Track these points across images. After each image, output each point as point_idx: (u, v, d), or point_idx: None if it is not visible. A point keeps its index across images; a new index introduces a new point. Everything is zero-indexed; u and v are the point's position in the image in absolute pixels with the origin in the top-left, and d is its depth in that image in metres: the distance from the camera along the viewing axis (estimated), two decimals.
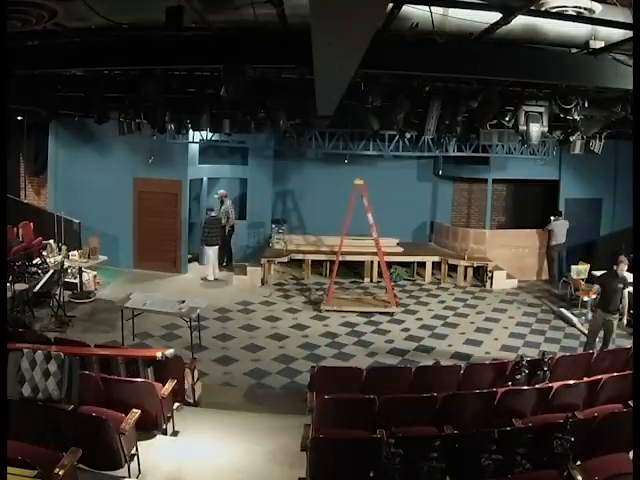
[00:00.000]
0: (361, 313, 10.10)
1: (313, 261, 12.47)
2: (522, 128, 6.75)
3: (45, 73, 6.64)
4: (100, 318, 9.11)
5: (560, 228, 12.42)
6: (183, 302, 7.88)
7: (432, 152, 12.33)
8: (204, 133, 11.24)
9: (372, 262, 12.26)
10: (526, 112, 6.68)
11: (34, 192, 13.78)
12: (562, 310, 10.31)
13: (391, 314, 10.08)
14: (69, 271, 10.10)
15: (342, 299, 10.69)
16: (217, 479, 4.64)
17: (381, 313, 10.13)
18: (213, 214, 11.90)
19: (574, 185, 12.89)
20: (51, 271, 9.17)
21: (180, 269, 12.12)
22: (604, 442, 4.25)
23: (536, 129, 6.71)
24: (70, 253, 10.20)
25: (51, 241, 10.58)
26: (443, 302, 11.12)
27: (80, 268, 10.07)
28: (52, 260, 9.71)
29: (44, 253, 9.96)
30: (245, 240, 13.35)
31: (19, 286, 8.50)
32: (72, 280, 10.07)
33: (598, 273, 10.50)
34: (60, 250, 10.34)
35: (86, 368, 5.21)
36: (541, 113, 6.67)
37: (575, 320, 9.72)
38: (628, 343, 8.04)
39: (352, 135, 12.01)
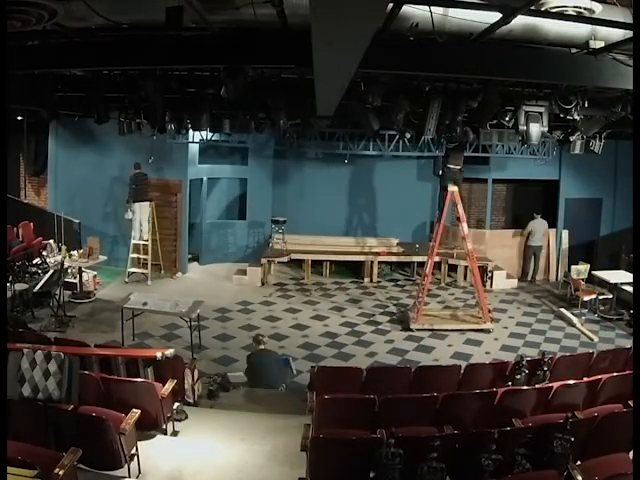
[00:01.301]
0: (437, 330, 9.20)
1: (313, 261, 12.47)
2: (522, 128, 6.75)
3: (45, 73, 6.64)
4: (100, 318, 9.11)
5: (538, 228, 12.40)
6: (179, 304, 7.92)
7: (432, 152, 12.34)
8: (204, 133, 11.25)
9: (372, 262, 12.27)
10: (526, 112, 6.68)
11: (34, 192, 13.78)
12: (562, 310, 10.31)
13: (486, 331, 9.16)
14: (69, 271, 10.10)
15: (432, 316, 9.56)
16: (217, 479, 4.64)
17: (475, 330, 9.18)
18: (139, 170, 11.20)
19: (574, 185, 12.89)
20: (51, 271, 9.17)
21: (180, 269, 12.12)
22: (604, 442, 4.25)
23: (536, 129, 6.71)
24: (70, 253, 10.21)
25: (51, 241, 10.60)
26: (443, 302, 11.11)
27: (80, 268, 10.08)
28: (52, 260, 9.71)
29: (44, 253, 9.97)
30: (245, 240, 13.35)
31: (19, 286, 8.51)
32: (72, 280, 10.07)
33: (599, 273, 10.58)
34: (60, 250, 10.35)
35: (86, 368, 5.22)
36: (541, 113, 6.67)
37: (575, 320, 9.72)
38: (628, 343, 8.05)
39: (352, 135, 12.01)
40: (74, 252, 10.28)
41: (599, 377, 5.30)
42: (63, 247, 10.42)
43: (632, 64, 4.74)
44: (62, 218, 11.07)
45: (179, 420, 5.51)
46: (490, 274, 12.12)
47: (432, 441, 3.84)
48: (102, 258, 10.69)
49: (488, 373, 5.90)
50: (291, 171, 13.72)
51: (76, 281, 10.10)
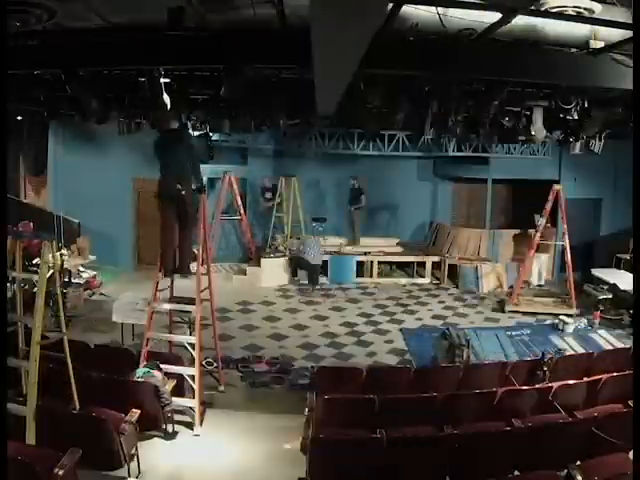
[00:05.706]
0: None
1: None
2: (523, 128, 6.76)
3: (45, 73, 6.64)
4: (100, 318, 9.09)
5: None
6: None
7: (432, 152, 12.33)
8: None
9: (372, 262, 12.27)
10: (527, 112, 6.68)
11: (34, 192, 13.74)
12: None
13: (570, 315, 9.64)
14: (69, 271, 10.08)
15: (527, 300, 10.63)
16: (217, 479, 4.65)
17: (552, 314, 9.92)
18: None
19: (574, 185, 12.88)
20: (51, 271, 9.14)
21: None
22: (604, 442, 4.26)
23: (536, 129, 6.72)
24: (62, 252, 10.16)
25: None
26: (443, 302, 11.11)
27: (78, 268, 10.07)
28: (51, 260, 9.68)
29: None
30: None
31: None
32: (72, 280, 10.05)
33: (598, 273, 10.57)
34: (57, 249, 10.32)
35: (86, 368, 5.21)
36: (541, 113, 6.68)
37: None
38: (628, 343, 8.05)
39: (352, 135, 12.00)
40: (64, 251, 10.22)
41: (599, 377, 5.31)
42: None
43: (632, 64, 4.74)
44: (62, 218, 11.07)
45: None
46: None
47: (432, 441, 3.85)
48: (91, 258, 10.67)
49: (488, 373, 5.91)
50: (291, 171, 13.71)
51: (76, 281, 10.08)
